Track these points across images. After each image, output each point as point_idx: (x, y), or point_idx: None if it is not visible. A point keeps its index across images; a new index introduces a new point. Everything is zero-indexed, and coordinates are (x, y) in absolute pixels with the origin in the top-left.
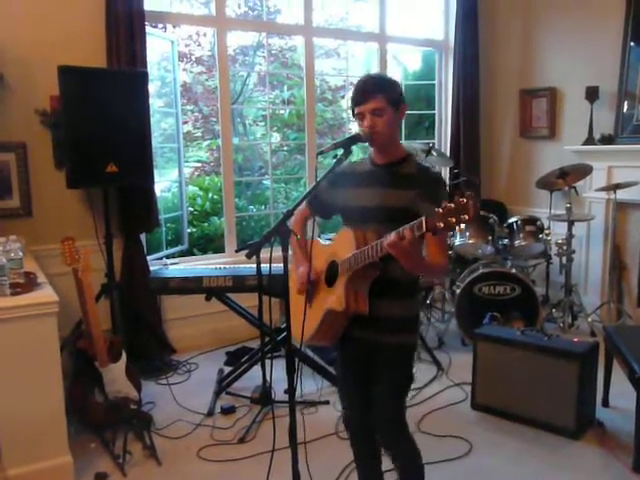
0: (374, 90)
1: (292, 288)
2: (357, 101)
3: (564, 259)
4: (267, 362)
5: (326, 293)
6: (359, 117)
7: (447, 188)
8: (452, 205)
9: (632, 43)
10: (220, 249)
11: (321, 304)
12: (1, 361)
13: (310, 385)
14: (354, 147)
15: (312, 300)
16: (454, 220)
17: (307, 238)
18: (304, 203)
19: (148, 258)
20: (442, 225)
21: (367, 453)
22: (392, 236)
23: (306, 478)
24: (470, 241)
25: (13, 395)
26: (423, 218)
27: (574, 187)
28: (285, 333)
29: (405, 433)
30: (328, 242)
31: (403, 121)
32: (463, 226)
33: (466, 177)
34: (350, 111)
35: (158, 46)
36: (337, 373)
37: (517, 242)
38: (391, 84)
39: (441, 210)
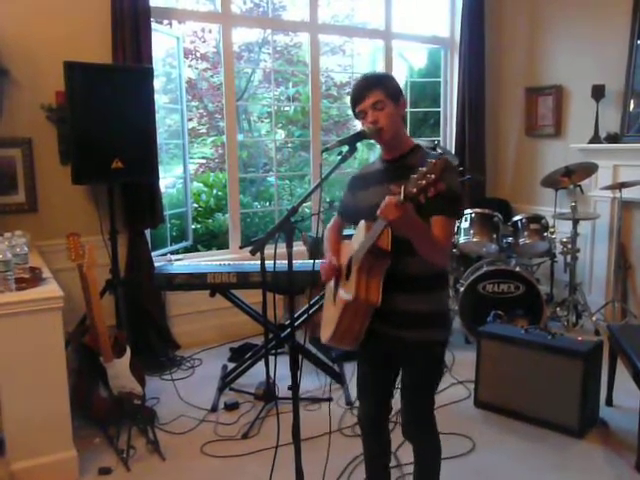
0: (371, 85)
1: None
2: (357, 100)
3: (569, 258)
4: (271, 358)
5: (344, 288)
6: (361, 116)
7: (456, 173)
8: (423, 169)
9: (639, 41)
10: (224, 245)
11: (341, 300)
12: (6, 356)
13: (314, 382)
14: (359, 144)
15: (336, 299)
16: (424, 182)
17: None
18: (335, 215)
19: (153, 254)
20: (415, 190)
21: (377, 450)
22: (382, 206)
23: (311, 474)
24: (474, 239)
25: (18, 390)
26: (402, 187)
27: (579, 185)
28: (289, 330)
29: (433, 428)
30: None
31: (408, 118)
32: (436, 190)
33: (471, 175)
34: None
35: (163, 42)
36: (357, 368)
37: (522, 240)
38: (386, 78)
39: (415, 176)
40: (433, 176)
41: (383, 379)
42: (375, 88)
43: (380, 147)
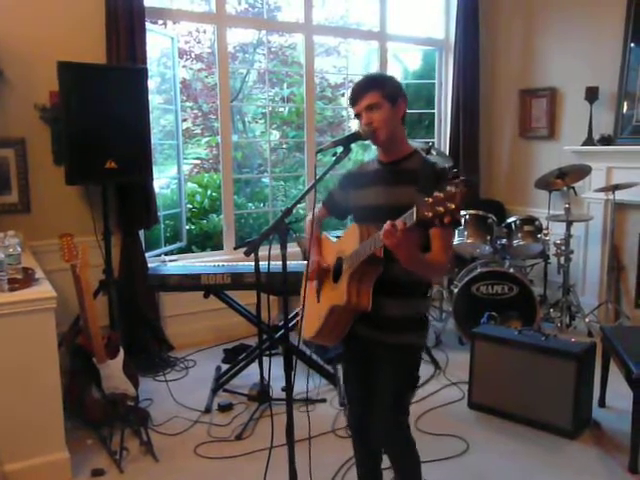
0: (367, 87)
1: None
2: (352, 101)
3: (562, 259)
4: (265, 359)
5: (331, 290)
6: (358, 117)
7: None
8: (441, 195)
9: (632, 44)
10: (219, 246)
11: (327, 301)
12: None
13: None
14: (353, 145)
15: (319, 297)
16: (442, 209)
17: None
18: (320, 203)
19: (146, 255)
20: (430, 214)
21: (367, 450)
22: (386, 226)
23: (306, 475)
24: (468, 241)
25: (10, 391)
26: (414, 208)
27: (573, 187)
28: (283, 331)
29: (405, 436)
30: (336, 239)
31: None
32: (453, 217)
33: (464, 176)
34: (349, 109)
35: (158, 42)
36: (342, 370)
37: (515, 242)
38: (385, 79)
39: (430, 199)
40: (453, 206)
41: (363, 379)
42: (371, 89)
43: (377, 148)
